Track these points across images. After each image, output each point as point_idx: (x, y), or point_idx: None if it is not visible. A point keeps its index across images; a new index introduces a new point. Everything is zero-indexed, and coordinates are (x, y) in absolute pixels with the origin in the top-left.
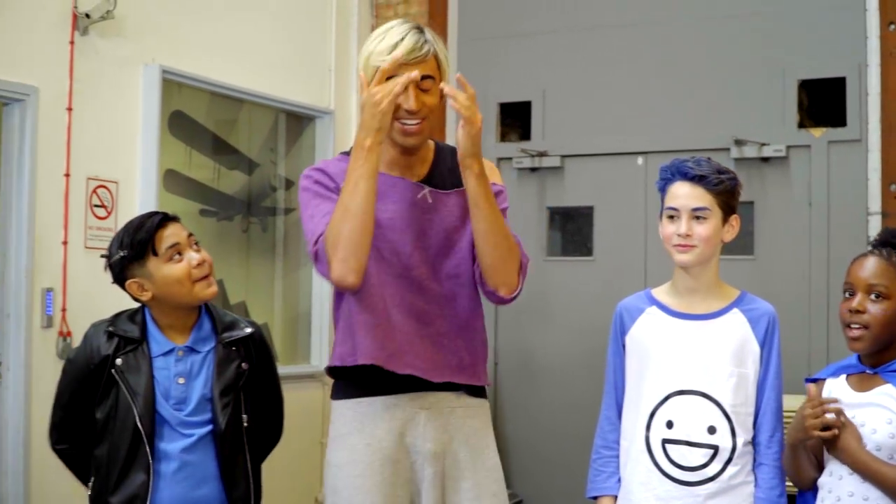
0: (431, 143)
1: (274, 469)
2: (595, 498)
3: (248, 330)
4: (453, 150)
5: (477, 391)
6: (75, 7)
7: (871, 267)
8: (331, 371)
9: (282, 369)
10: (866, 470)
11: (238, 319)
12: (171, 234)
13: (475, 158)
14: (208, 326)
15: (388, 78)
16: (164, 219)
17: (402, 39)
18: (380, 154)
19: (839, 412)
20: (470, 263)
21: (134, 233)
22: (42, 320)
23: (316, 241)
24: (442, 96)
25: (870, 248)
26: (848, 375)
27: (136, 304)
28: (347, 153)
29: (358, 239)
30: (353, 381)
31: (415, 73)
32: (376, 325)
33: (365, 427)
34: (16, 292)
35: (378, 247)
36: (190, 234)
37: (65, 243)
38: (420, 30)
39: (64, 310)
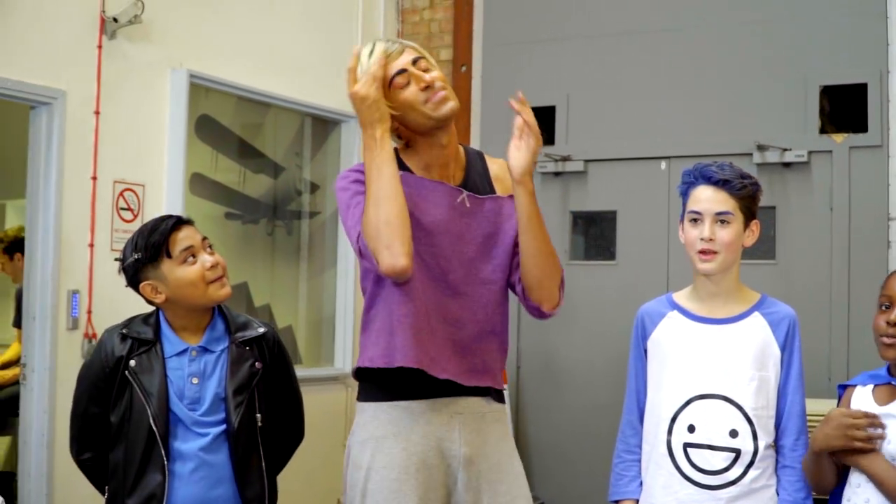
0: (461, 148)
1: (297, 471)
2: (617, 502)
3: (262, 330)
4: (480, 154)
5: (500, 396)
6: (103, 11)
7: None
8: (360, 373)
9: (305, 371)
10: (882, 480)
11: (251, 320)
12: (184, 237)
13: (531, 176)
14: (221, 327)
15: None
16: (178, 222)
17: (374, 47)
18: (391, 142)
19: (882, 426)
20: (504, 271)
21: (148, 236)
22: (68, 322)
23: (358, 238)
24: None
25: None
26: (875, 386)
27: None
28: None
29: (397, 222)
30: (385, 383)
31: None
32: (420, 330)
33: (401, 431)
34: (42, 294)
35: (419, 251)
36: (204, 238)
37: (91, 246)
38: (388, 39)
39: (89, 312)
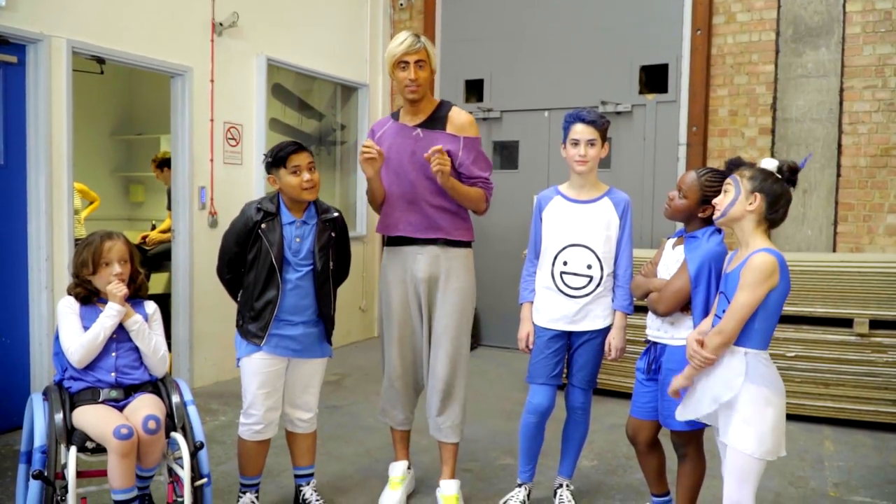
0: (436, 101)
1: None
2: (521, 304)
3: (335, 214)
4: (450, 105)
5: (454, 244)
6: (213, 19)
7: (686, 176)
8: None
9: None
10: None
11: (330, 207)
12: (296, 158)
13: (442, 175)
14: (313, 210)
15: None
16: (297, 148)
17: (405, 40)
18: (378, 178)
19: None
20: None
21: (278, 151)
22: (198, 205)
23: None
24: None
25: (705, 167)
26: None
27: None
28: (392, 114)
29: (376, 206)
30: (389, 238)
31: (368, 143)
32: (392, 208)
33: (391, 262)
34: (182, 189)
35: (393, 164)
36: (311, 161)
37: (211, 160)
38: (417, 35)
39: (212, 199)
